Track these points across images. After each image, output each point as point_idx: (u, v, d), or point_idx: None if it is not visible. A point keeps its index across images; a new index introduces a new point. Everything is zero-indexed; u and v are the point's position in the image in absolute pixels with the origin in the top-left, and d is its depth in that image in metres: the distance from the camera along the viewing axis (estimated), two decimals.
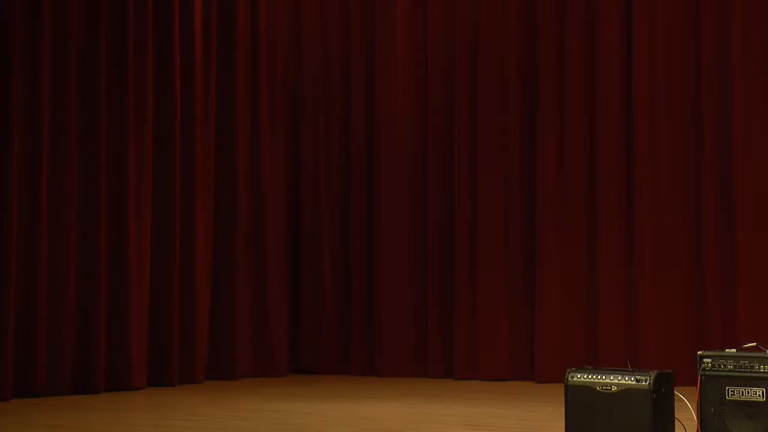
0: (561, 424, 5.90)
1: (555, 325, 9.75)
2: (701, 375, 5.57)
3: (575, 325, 9.72)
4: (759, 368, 5.45)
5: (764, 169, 9.25)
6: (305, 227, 10.92)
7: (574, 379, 5.77)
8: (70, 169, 9.03)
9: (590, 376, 5.73)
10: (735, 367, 5.51)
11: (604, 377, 5.70)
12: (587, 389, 5.73)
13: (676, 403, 5.73)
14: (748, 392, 5.47)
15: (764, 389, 5.43)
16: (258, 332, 10.38)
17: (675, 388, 5.71)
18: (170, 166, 9.70)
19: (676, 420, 5.72)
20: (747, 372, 5.48)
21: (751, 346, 5.60)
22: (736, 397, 5.50)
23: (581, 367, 5.86)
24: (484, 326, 10.01)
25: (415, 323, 10.40)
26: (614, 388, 5.66)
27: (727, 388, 5.52)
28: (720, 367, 5.55)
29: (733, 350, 5.59)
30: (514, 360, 9.98)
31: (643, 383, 5.58)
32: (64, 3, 9.06)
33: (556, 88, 9.90)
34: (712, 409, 5.54)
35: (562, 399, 5.83)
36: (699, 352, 5.63)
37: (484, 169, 10.11)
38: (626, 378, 5.63)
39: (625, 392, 5.62)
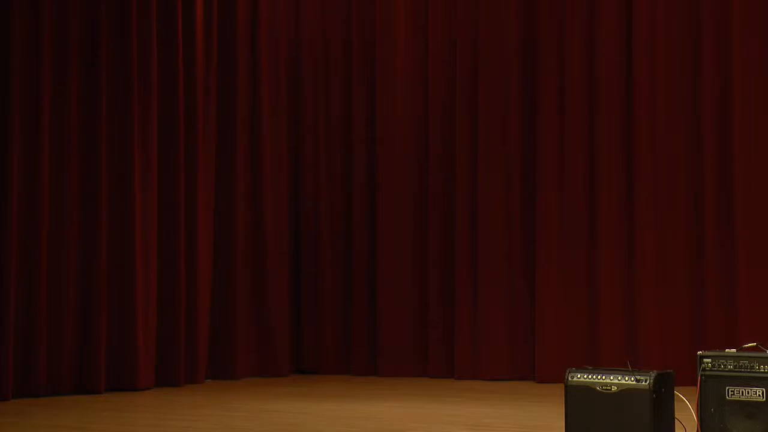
0: (561, 424, 5.90)
1: (555, 325, 9.75)
2: (701, 375, 5.58)
3: (575, 325, 9.72)
4: (759, 368, 5.45)
5: (764, 169, 9.26)
6: (306, 227, 10.92)
7: (574, 379, 5.78)
8: (70, 169, 9.04)
9: (590, 376, 5.74)
10: (735, 367, 5.52)
11: (604, 377, 5.70)
12: (587, 389, 5.73)
13: (676, 403, 5.73)
14: (748, 392, 5.47)
15: (764, 389, 5.44)
16: (259, 332, 10.38)
17: (675, 388, 5.71)
18: (173, 168, 9.70)
19: (676, 420, 5.73)
20: (747, 372, 5.48)
21: (751, 346, 5.61)
22: (736, 397, 5.50)
23: (581, 367, 5.86)
24: (484, 326, 10.02)
25: (416, 323, 10.40)
26: (614, 388, 5.66)
27: (727, 388, 5.52)
28: (720, 367, 5.55)
29: (733, 350, 5.60)
30: (514, 360, 9.99)
31: (643, 383, 5.58)
32: (65, 3, 9.06)
33: (556, 88, 9.90)
34: (712, 409, 5.54)
35: (562, 399, 5.84)
36: (699, 352, 5.64)
37: (484, 169, 10.11)
38: (626, 378, 5.64)
39: (625, 392, 5.63)
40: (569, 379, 5.79)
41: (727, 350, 5.61)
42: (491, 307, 10.01)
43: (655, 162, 9.57)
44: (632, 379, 5.62)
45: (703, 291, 9.37)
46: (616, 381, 5.66)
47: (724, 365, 5.54)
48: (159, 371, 9.50)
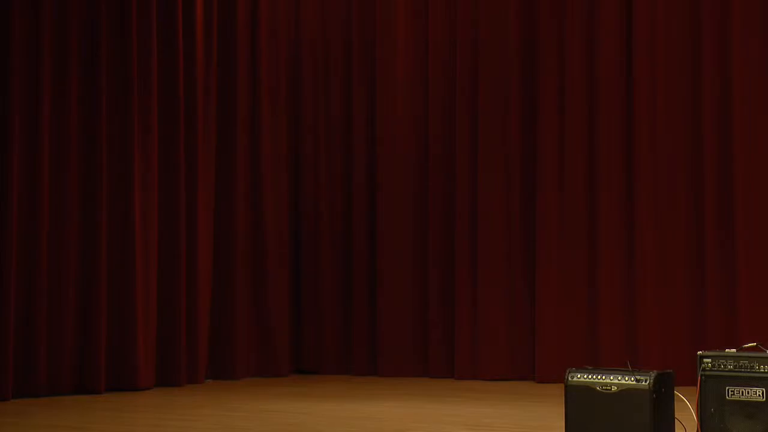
0: (561, 424, 5.90)
1: (555, 325, 9.75)
2: (701, 375, 5.58)
3: (575, 325, 9.72)
4: (759, 368, 5.45)
5: (764, 169, 9.26)
6: (306, 227, 10.92)
7: (574, 379, 5.78)
8: (70, 169, 9.04)
9: (590, 376, 5.74)
10: (735, 367, 5.52)
11: (604, 377, 5.70)
12: (587, 389, 5.73)
13: (676, 403, 5.73)
14: (748, 392, 5.47)
15: (764, 389, 5.43)
16: (259, 332, 10.38)
17: (675, 388, 5.71)
18: (173, 168, 9.70)
19: (676, 420, 5.73)
20: (747, 372, 5.48)
21: (751, 346, 5.61)
22: (736, 397, 5.50)
23: (581, 367, 5.86)
24: (484, 326, 10.02)
25: (416, 323, 10.40)
26: (614, 388, 5.66)
27: (727, 388, 5.52)
28: (720, 367, 5.55)
29: (733, 350, 5.60)
30: (514, 360, 9.99)
31: (643, 383, 5.58)
32: (65, 3, 9.06)
33: (556, 88, 9.90)
34: (712, 409, 5.54)
35: (562, 399, 5.84)
36: (699, 352, 5.64)
37: (484, 169, 10.11)
38: (626, 378, 5.64)
39: (625, 392, 5.63)
40: (569, 379, 5.79)
41: (727, 350, 5.61)
42: (491, 307, 10.01)
43: (655, 162, 9.57)
44: (632, 379, 5.62)
45: (703, 291, 9.37)
46: (616, 381, 5.66)
47: (724, 365, 5.54)
48: (159, 371, 9.50)
